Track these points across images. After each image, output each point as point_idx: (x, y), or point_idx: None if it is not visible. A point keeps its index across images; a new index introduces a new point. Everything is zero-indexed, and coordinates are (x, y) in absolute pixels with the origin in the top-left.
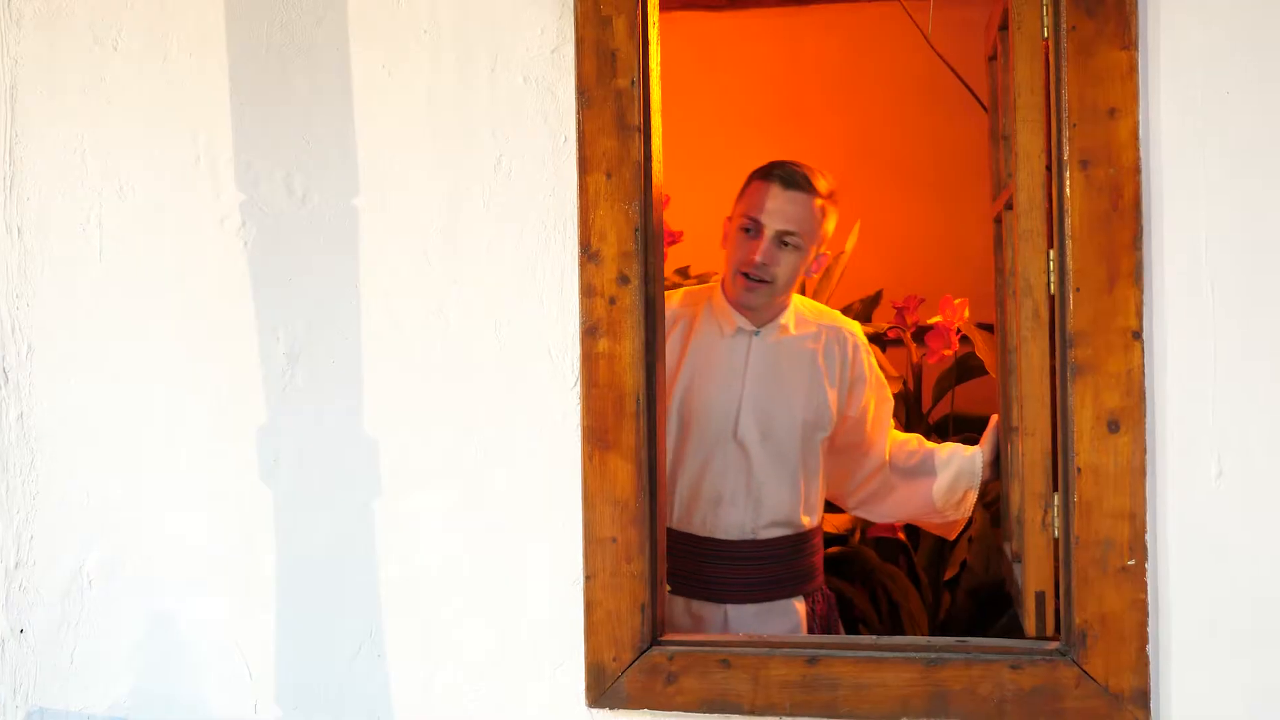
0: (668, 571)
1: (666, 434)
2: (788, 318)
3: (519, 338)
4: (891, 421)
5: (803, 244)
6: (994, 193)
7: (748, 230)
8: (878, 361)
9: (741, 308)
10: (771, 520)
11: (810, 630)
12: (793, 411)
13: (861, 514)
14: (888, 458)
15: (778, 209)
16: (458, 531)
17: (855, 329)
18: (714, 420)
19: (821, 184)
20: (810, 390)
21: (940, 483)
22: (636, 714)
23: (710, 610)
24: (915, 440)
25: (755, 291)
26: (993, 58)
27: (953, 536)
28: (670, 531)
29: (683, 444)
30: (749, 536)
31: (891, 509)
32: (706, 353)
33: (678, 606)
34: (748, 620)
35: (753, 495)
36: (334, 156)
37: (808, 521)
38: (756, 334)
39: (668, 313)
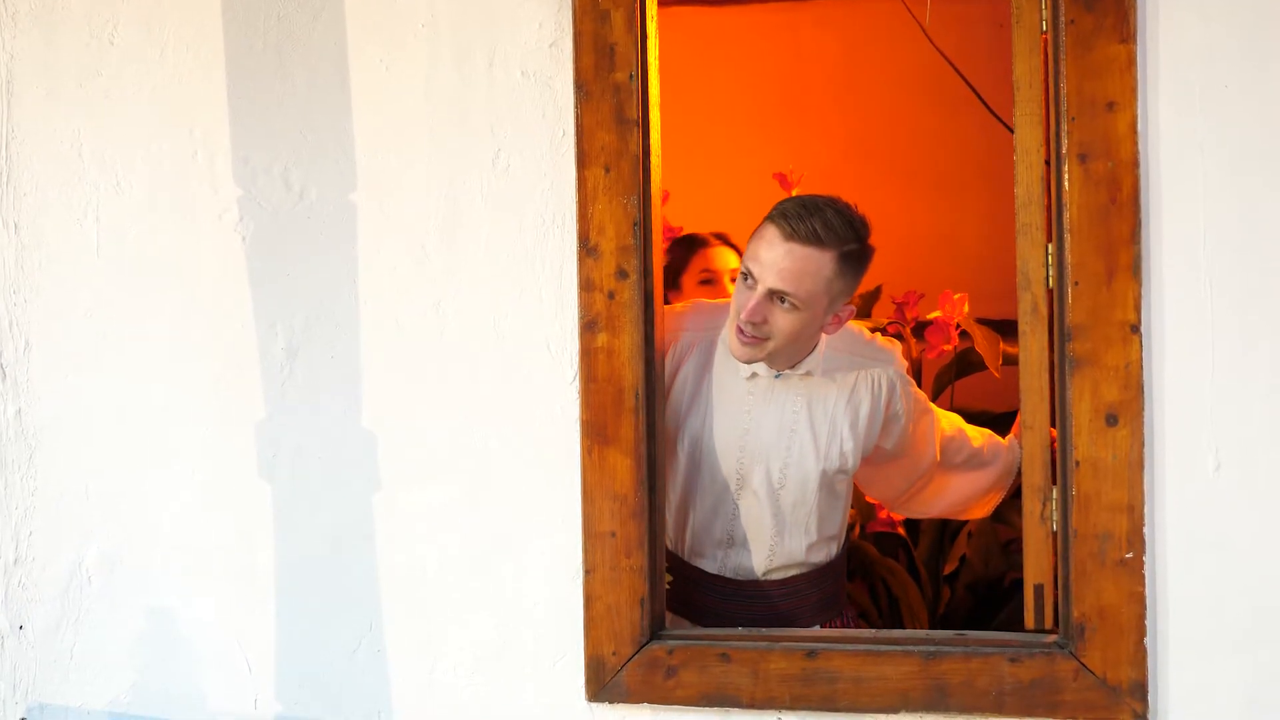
0: (682, 603)
1: (675, 471)
2: (813, 362)
3: (518, 332)
4: (941, 422)
5: (800, 306)
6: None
7: (745, 277)
8: (914, 390)
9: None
10: (785, 563)
11: None
12: (810, 461)
13: (905, 513)
14: (938, 458)
15: (772, 262)
16: (457, 526)
17: (893, 365)
18: (726, 467)
19: (843, 231)
20: (830, 438)
21: (984, 480)
22: (636, 708)
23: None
24: (959, 436)
25: (752, 348)
26: None
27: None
28: (684, 564)
29: (693, 485)
30: (759, 578)
31: (942, 506)
32: (721, 393)
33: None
34: None
35: (764, 542)
36: (332, 151)
37: (824, 557)
38: (777, 377)
39: (682, 333)
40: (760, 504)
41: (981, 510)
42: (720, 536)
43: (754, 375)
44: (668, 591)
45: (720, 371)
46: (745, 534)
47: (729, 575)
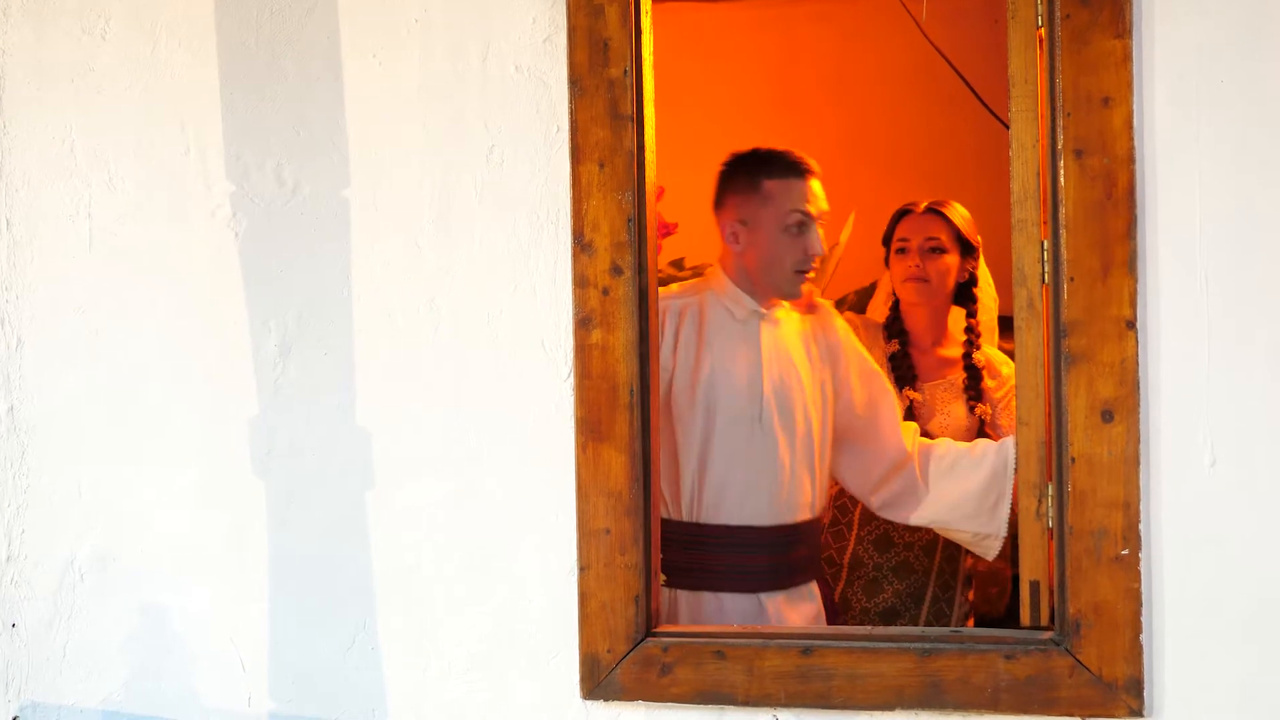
0: (700, 566)
1: (692, 425)
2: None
3: (512, 329)
4: (901, 418)
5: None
6: None
7: (801, 225)
8: (865, 350)
9: (791, 297)
10: (799, 503)
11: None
12: (804, 392)
13: (888, 515)
14: (910, 453)
15: (814, 195)
16: (451, 523)
17: (827, 303)
18: (741, 405)
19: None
20: (812, 370)
21: (975, 482)
22: (631, 705)
23: (744, 602)
24: (945, 443)
25: (809, 283)
26: None
27: (991, 556)
28: (703, 526)
29: (712, 431)
30: (781, 521)
31: (922, 513)
32: (723, 338)
33: (709, 607)
34: (780, 607)
35: (781, 479)
36: (325, 147)
37: (820, 507)
38: (763, 315)
39: (670, 304)
40: (773, 439)
41: (982, 546)
42: (742, 481)
43: (750, 314)
44: (675, 569)
45: (715, 319)
46: (763, 474)
47: (749, 523)
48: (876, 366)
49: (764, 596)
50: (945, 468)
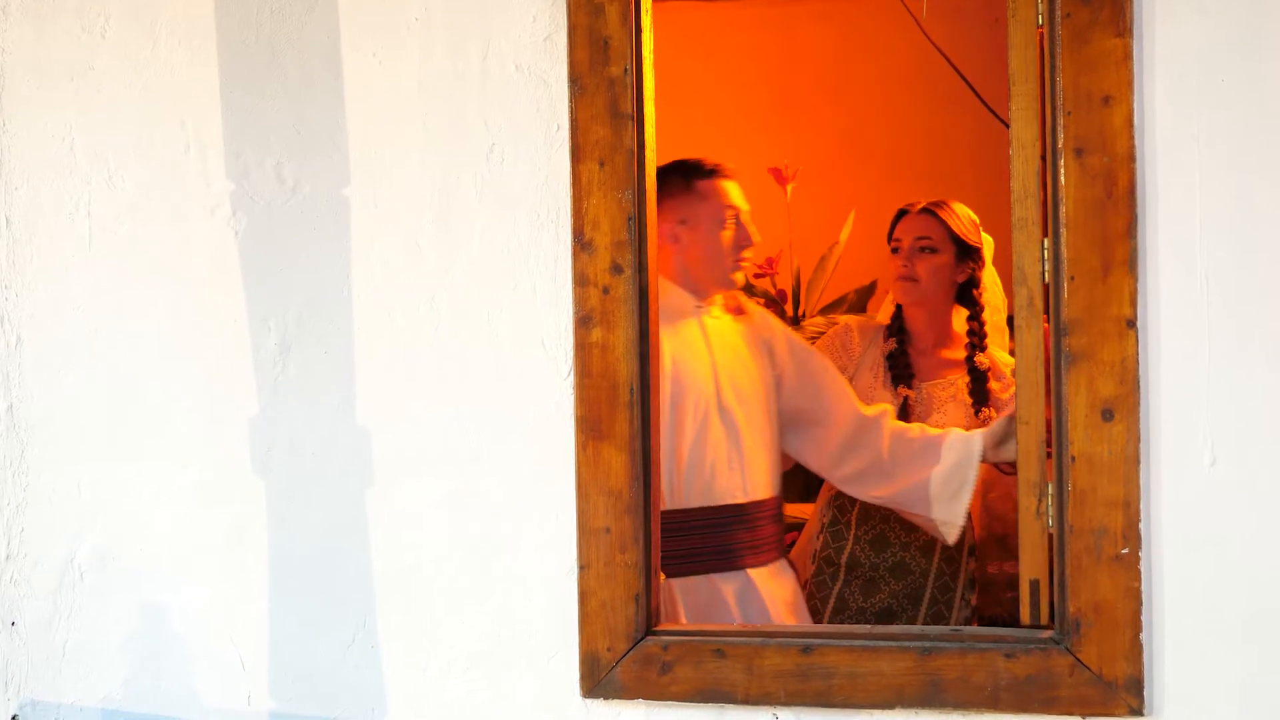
0: (688, 551)
1: (664, 414)
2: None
3: (512, 327)
4: (851, 390)
5: None
6: None
7: (734, 219)
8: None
9: (730, 286)
10: (764, 480)
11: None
12: (750, 379)
13: (851, 491)
14: (871, 419)
15: (737, 194)
16: (451, 522)
17: (755, 305)
18: (700, 391)
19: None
20: (753, 359)
21: (940, 469)
22: (631, 704)
23: (730, 580)
24: (918, 428)
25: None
26: None
27: (950, 541)
28: (685, 511)
29: (680, 420)
30: (752, 498)
31: (884, 491)
32: (673, 332)
33: (703, 591)
34: (766, 581)
35: (742, 459)
36: (325, 145)
37: (778, 486)
38: (705, 310)
39: None
40: (733, 421)
41: (942, 530)
42: (707, 462)
43: (693, 308)
44: (663, 558)
45: (665, 315)
46: (727, 454)
47: (717, 503)
48: (811, 348)
49: (751, 570)
50: (915, 451)
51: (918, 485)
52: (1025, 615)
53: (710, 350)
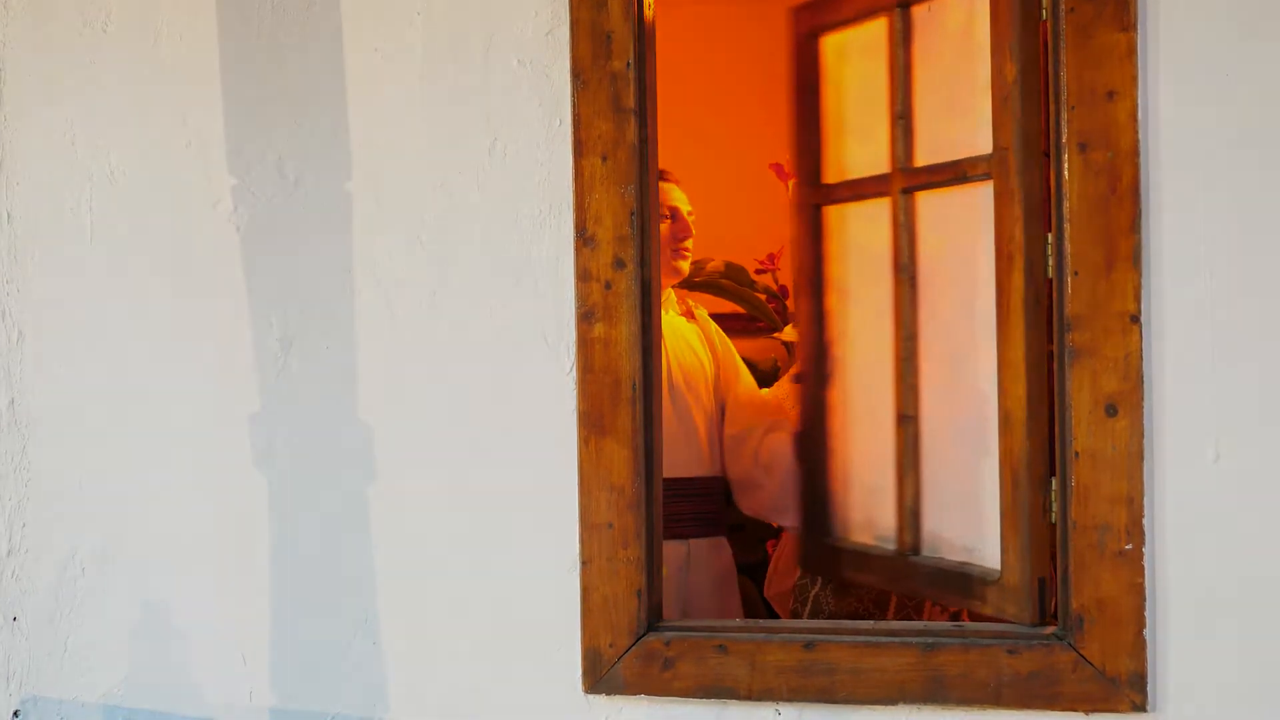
0: None
1: None
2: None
3: (514, 323)
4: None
5: None
6: None
7: (674, 215)
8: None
9: (677, 274)
10: (710, 458)
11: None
12: (699, 365)
13: (740, 505)
14: (757, 397)
15: (678, 194)
16: (453, 517)
17: (703, 311)
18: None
19: None
20: (704, 350)
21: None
22: (633, 700)
23: (674, 549)
24: (771, 396)
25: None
26: None
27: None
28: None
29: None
30: (703, 473)
31: (752, 505)
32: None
33: None
34: (704, 554)
35: (699, 435)
36: (326, 140)
37: (720, 468)
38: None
39: None
40: (684, 400)
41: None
42: (670, 433)
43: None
44: None
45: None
46: (680, 430)
47: (679, 474)
48: (733, 348)
49: (692, 543)
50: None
51: (790, 465)
52: (1030, 613)
53: (666, 339)
